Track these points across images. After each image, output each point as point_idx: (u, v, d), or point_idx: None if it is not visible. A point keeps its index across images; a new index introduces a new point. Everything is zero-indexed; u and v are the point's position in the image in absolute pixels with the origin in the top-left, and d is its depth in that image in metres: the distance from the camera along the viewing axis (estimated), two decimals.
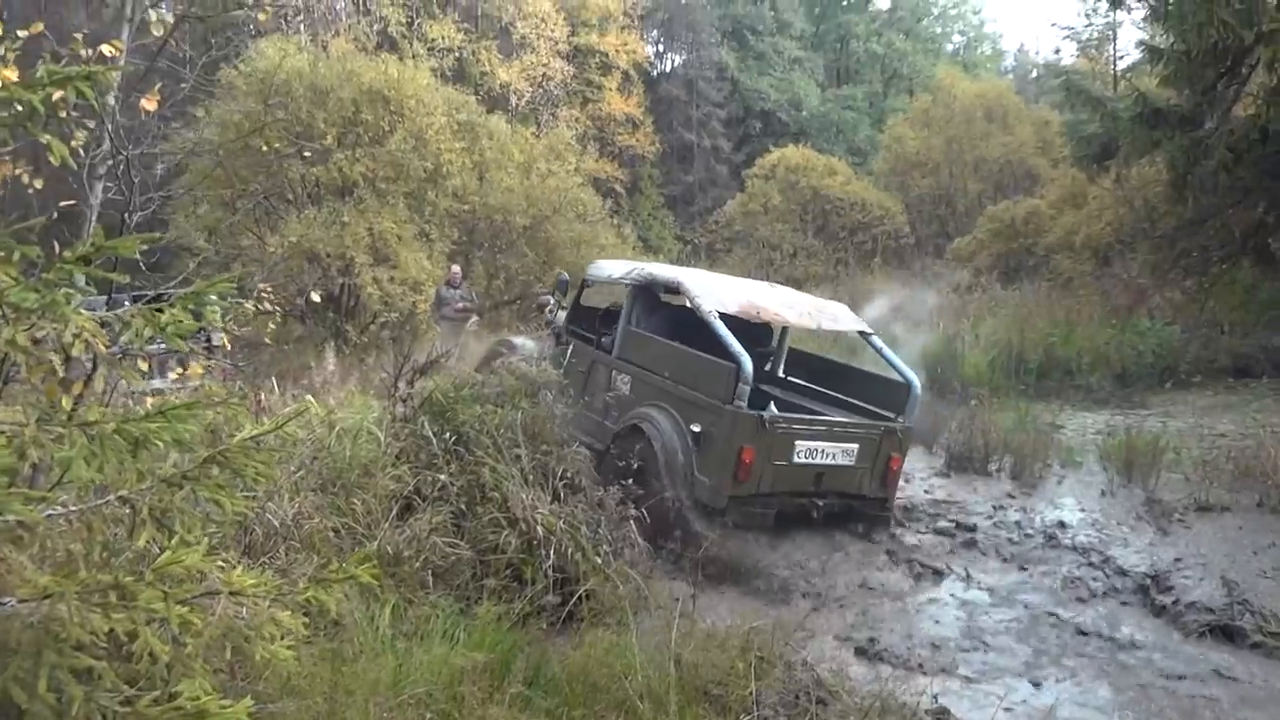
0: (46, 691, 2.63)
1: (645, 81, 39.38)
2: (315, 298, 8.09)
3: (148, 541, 3.20)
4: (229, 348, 11.86)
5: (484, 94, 30.58)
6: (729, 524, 6.23)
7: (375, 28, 29.53)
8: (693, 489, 6.30)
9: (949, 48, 45.98)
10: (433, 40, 30.93)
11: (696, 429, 6.34)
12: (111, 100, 4.24)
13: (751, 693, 4.02)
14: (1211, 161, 11.65)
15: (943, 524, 7.20)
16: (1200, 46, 11.29)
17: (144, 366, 3.77)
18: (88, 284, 4.38)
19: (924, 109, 29.15)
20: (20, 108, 3.16)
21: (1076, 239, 18.37)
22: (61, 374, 3.33)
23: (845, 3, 45.97)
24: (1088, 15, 27.13)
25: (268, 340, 7.44)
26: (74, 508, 3.28)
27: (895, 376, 7.22)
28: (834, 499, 6.64)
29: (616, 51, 36.49)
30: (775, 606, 5.77)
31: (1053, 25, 35.18)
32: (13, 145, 3.75)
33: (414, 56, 25.34)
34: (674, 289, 7.36)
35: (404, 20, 30.65)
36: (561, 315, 8.53)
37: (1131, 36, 30.23)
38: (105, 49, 3.53)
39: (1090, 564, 6.41)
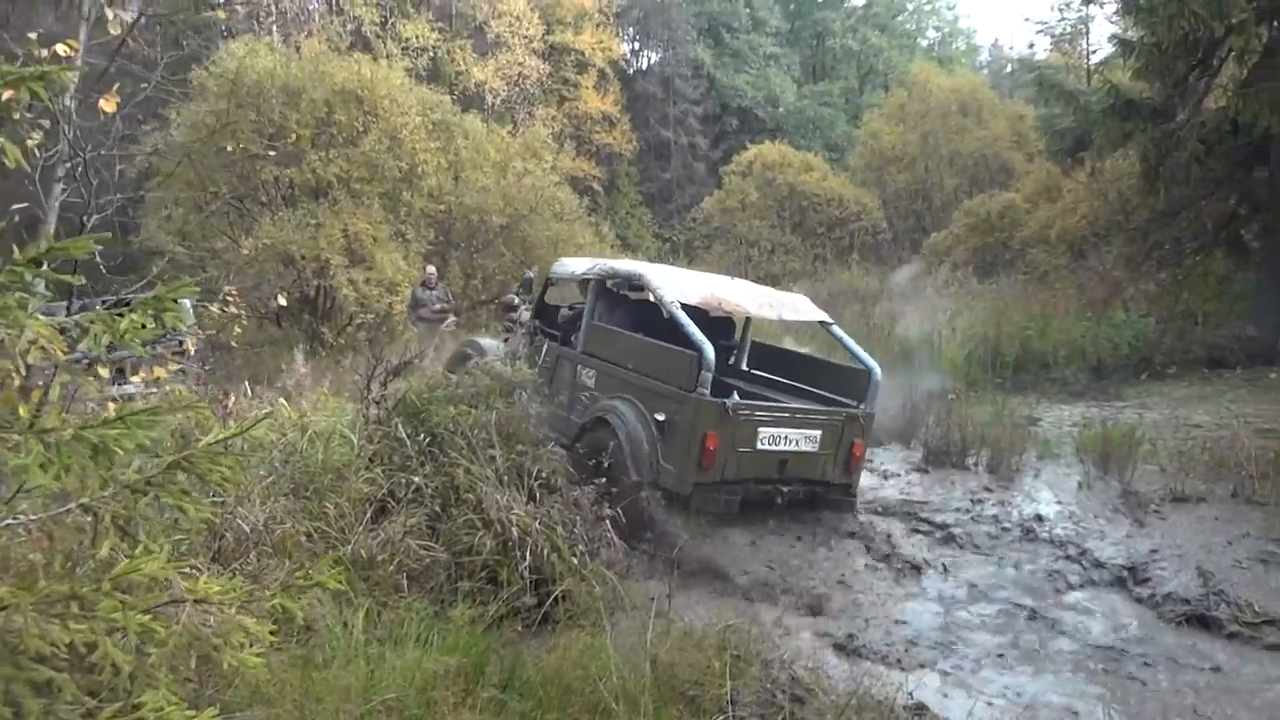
0: (3, 705, 2.57)
1: (621, 79, 39.35)
2: (282, 301, 7.93)
3: (110, 550, 3.13)
4: (191, 351, 11.75)
5: (459, 93, 30.44)
6: (695, 511, 6.30)
7: (349, 27, 29.33)
8: (658, 477, 6.35)
9: (924, 43, 46.21)
10: (407, 40, 30.78)
11: (661, 418, 6.41)
12: (69, 101, 4.17)
13: (727, 692, 4.00)
14: (1183, 153, 11.75)
15: (921, 519, 7.20)
16: (1171, 39, 11.38)
17: (104, 372, 3.70)
18: (48, 288, 4.32)
19: (899, 104, 29.25)
20: None
21: (1051, 232, 18.48)
22: (19, 381, 3.27)
23: (821, 0, 46.08)
24: (1060, 10, 27.36)
25: (234, 344, 7.32)
26: (34, 516, 3.21)
27: (856, 365, 7.32)
28: (798, 485, 6.72)
29: (592, 49, 36.43)
30: (753, 604, 5.73)
31: (1026, 20, 35.50)
32: None
33: (388, 56, 25.20)
34: (636, 283, 7.45)
35: (378, 20, 30.51)
36: (526, 314, 8.55)
37: (1104, 30, 30.39)
38: (60, 48, 3.45)
39: (1068, 557, 6.41)
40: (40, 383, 3.96)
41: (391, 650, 4.27)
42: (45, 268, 2.87)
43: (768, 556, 6.48)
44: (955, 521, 7.10)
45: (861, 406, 7.00)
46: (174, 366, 4.91)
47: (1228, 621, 5.42)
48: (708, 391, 6.21)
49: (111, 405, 4.25)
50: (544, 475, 5.77)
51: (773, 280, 24.95)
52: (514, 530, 5.22)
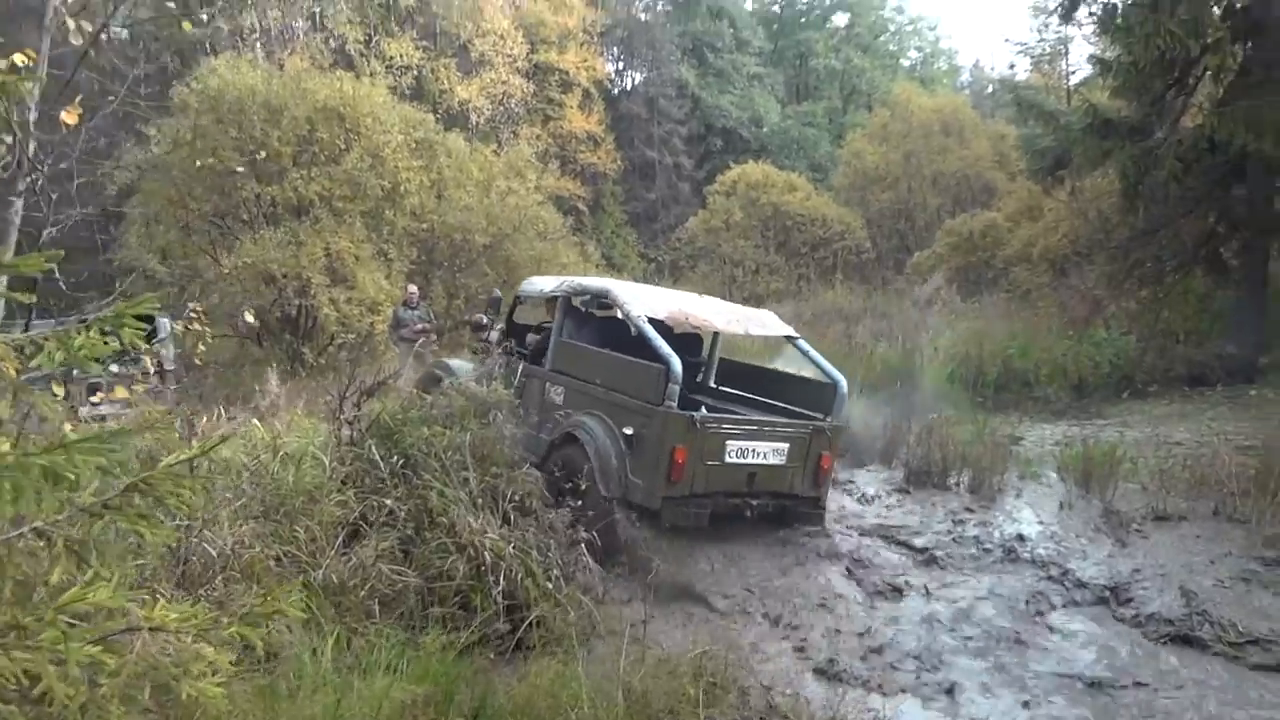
0: None
1: (606, 99, 39.47)
2: (249, 318, 7.83)
3: (62, 576, 3.03)
4: (161, 369, 11.61)
5: (443, 112, 30.45)
6: (665, 525, 6.25)
7: (331, 45, 29.30)
8: (627, 492, 6.31)
9: (906, 64, 46.56)
10: (391, 58, 30.79)
11: (629, 432, 6.40)
12: (30, 114, 4.08)
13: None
14: (1162, 171, 11.80)
15: (902, 540, 7.13)
16: (1148, 58, 11.45)
17: (59, 391, 3.60)
18: (7, 306, 4.20)
19: (882, 124, 29.43)
20: None
21: (1034, 251, 18.55)
22: None
23: (804, 20, 46.46)
24: (1040, 31, 27.57)
25: (199, 360, 7.23)
26: None
27: (823, 379, 7.33)
28: (767, 498, 6.70)
29: (577, 69, 36.55)
30: (732, 628, 5.65)
31: (1006, 41, 35.78)
32: None
33: (371, 74, 25.15)
34: (603, 298, 7.47)
35: (362, 38, 30.51)
36: (495, 334, 8.52)
37: (1084, 51, 30.63)
38: (17, 58, 3.37)
39: (1050, 577, 6.35)
40: None
41: (360, 679, 4.16)
42: None
43: (747, 579, 6.40)
44: (936, 543, 7.04)
45: (828, 419, 7.02)
46: (141, 386, 4.78)
47: (1212, 641, 5.36)
48: (675, 404, 6.20)
49: (68, 426, 4.15)
50: (518, 498, 5.67)
51: (757, 300, 24.99)
52: (487, 555, 5.13)
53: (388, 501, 5.52)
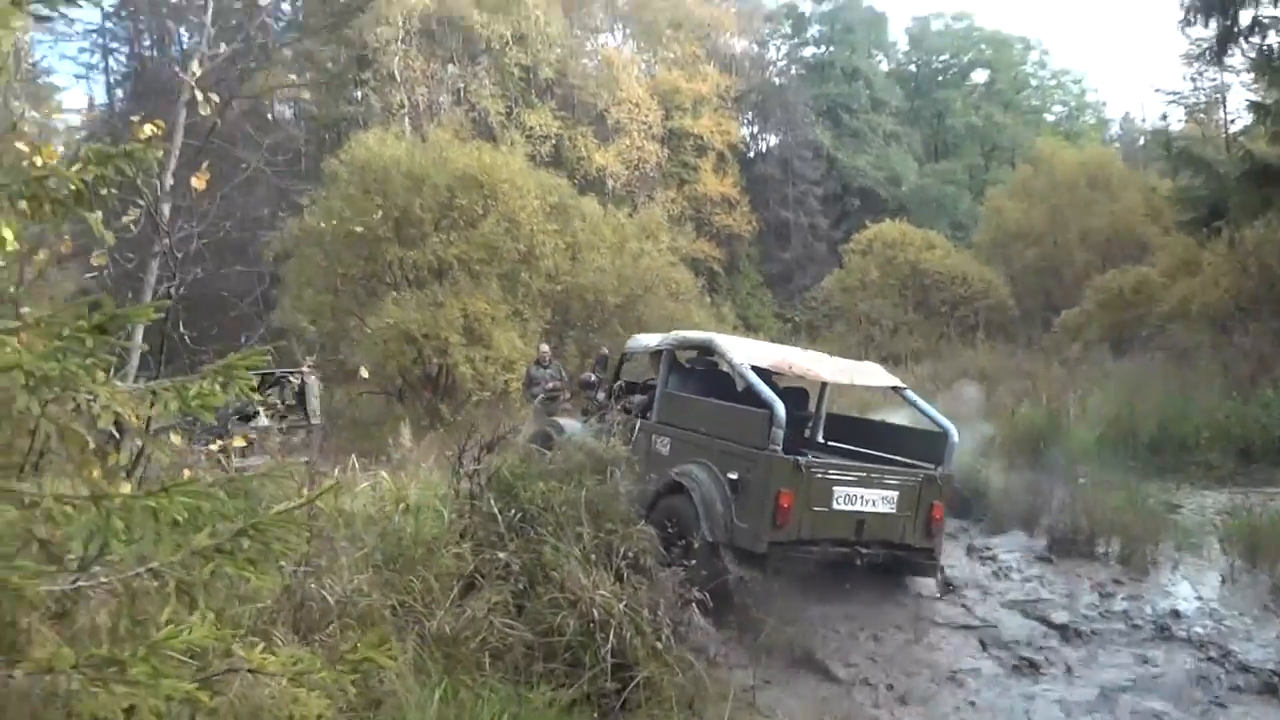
0: None
1: (740, 161, 39.74)
2: (364, 373, 8.07)
3: (172, 615, 3.10)
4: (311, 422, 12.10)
5: (580, 178, 31.27)
6: (773, 571, 6.16)
7: (474, 117, 30.55)
8: (733, 537, 6.25)
9: (1050, 118, 45.10)
10: (530, 128, 31.86)
11: (734, 476, 6.37)
12: (168, 180, 4.34)
13: None
14: None
15: (1042, 612, 6.66)
16: None
17: (176, 440, 3.74)
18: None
19: (1024, 180, 28.52)
20: (69, 189, 3.22)
21: (1192, 307, 17.45)
22: (92, 446, 3.33)
23: (941, 78, 45.75)
24: (1194, 79, 26.28)
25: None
26: (104, 580, 3.21)
27: (933, 428, 7.21)
28: (878, 548, 6.54)
29: (711, 133, 36.98)
30: (852, 699, 5.37)
31: (1157, 91, 34.11)
32: (64, 226, 3.85)
33: (510, 143, 26.06)
34: (706, 348, 7.59)
35: (503, 110, 31.71)
36: (601, 393, 8.73)
37: (1242, 98, 29.07)
38: (148, 129, 3.58)
39: (1209, 659, 5.79)
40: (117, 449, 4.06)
41: None
42: (108, 334, 2.91)
43: (872, 648, 6.10)
44: (1081, 616, 6.54)
45: (939, 469, 6.84)
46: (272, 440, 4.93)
47: None
48: (780, 448, 6.17)
49: (186, 473, 4.31)
50: (631, 555, 5.57)
51: (895, 360, 24.38)
52: (596, 611, 5.04)
53: (501, 555, 5.52)
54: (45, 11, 2.94)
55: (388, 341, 16.56)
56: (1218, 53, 13.58)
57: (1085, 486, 8.66)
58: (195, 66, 3.97)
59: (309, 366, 14.17)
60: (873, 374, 7.75)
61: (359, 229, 17.08)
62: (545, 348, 15.04)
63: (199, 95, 3.86)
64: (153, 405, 3.34)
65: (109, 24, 35.62)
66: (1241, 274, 15.64)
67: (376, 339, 16.37)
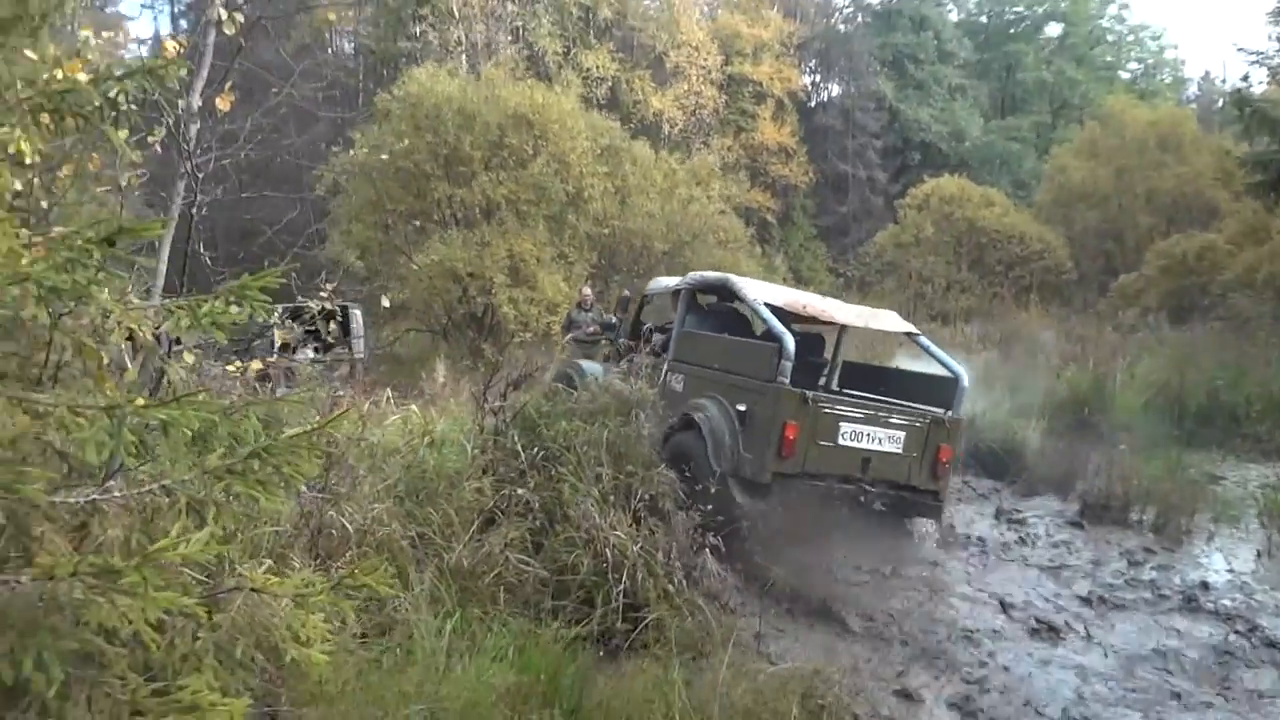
0: (36, 671, 2.59)
1: (800, 111, 38.93)
2: (385, 303, 8.10)
3: (181, 531, 3.15)
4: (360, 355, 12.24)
5: (637, 121, 30.91)
6: (778, 504, 6.28)
7: (524, 54, 30.23)
8: (739, 467, 6.37)
9: (1125, 76, 43.51)
10: (588, 69, 31.50)
11: (742, 408, 6.49)
12: (195, 101, 4.34)
13: None
14: None
15: (1068, 576, 6.57)
16: None
17: (189, 358, 3.79)
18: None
19: (1092, 138, 27.61)
20: (93, 105, 3.23)
21: (1258, 276, 16.88)
22: (107, 360, 3.37)
23: (1013, 30, 44.30)
24: (1279, 39, 25.06)
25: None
26: (118, 494, 3.26)
27: (945, 373, 7.23)
28: (883, 487, 6.60)
29: (771, 80, 36.26)
30: (866, 651, 5.35)
31: (1239, 50, 32.40)
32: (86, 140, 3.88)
33: (565, 84, 25.78)
34: (723, 287, 7.66)
35: (560, 50, 31.37)
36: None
37: None
38: (168, 45, 3.57)
39: (1235, 631, 5.66)
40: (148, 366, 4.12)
41: (470, 661, 4.18)
42: (115, 248, 2.92)
43: (891, 602, 6.06)
44: (1107, 583, 6.44)
45: (948, 413, 6.88)
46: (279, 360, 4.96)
47: None
48: (787, 380, 6.27)
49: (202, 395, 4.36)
50: (649, 497, 5.57)
51: (944, 318, 24.00)
52: (609, 552, 5.06)
53: (521, 491, 5.55)
54: None
55: (433, 279, 16.64)
56: None
57: (1124, 453, 8.47)
58: None
59: (358, 298, 14.33)
60: (888, 320, 7.79)
61: (409, 164, 17.18)
62: (587, 291, 15.00)
63: (222, 14, 3.84)
64: (163, 323, 3.37)
65: None
66: None
67: (422, 275, 16.46)
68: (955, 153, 38.77)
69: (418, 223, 18.11)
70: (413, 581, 4.91)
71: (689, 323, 7.78)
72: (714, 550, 5.33)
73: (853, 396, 7.66)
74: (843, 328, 7.95)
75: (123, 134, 3.58)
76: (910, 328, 7.73)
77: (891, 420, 6.64)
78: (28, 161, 3.32)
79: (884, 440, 6.57)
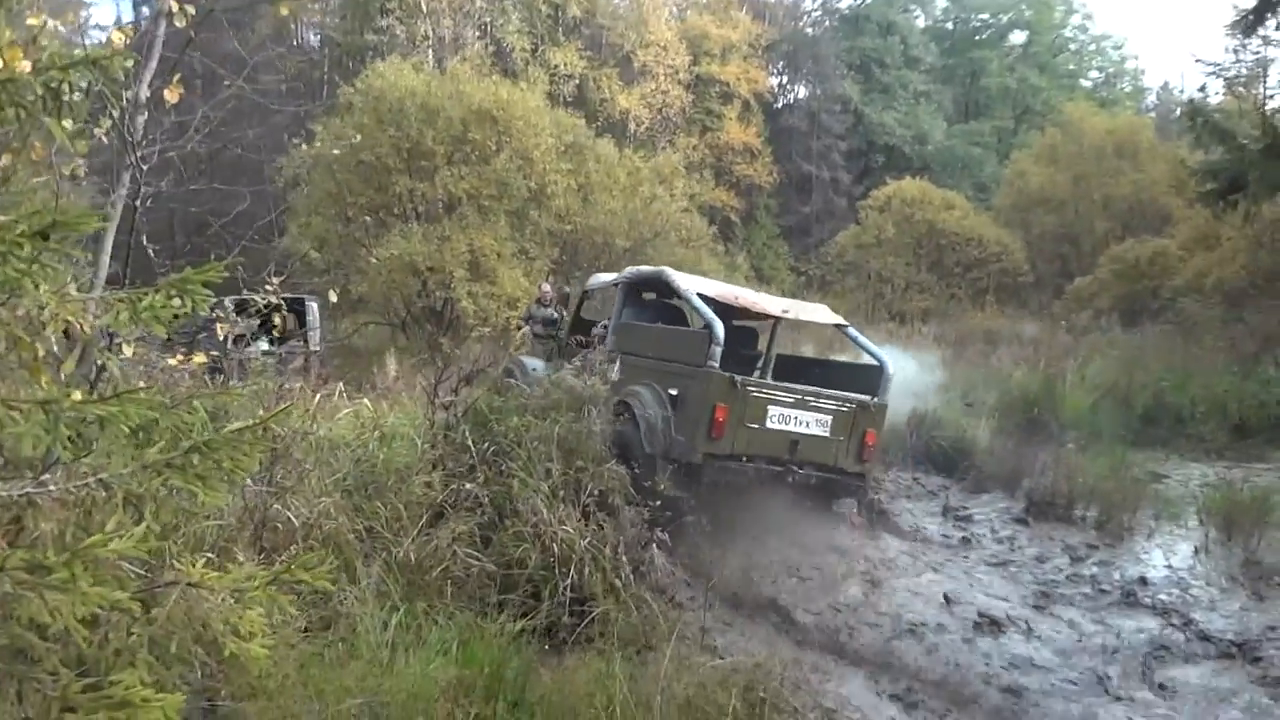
0: None
1: (766, 112, 39.10)
2: (333, 297, 8.07)
3: (116, 525, 3.13)
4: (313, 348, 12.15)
5: (603, 120, 30.89)
6: (708, 483, 6.54)
7: (491, 50, 30.11)
8: (670, 449, 6.60)
9: (1086, 84, 44.12)
10: (555, 66, 31.44)
11: (674, 392, 6.75)
12: (143, 92, 4.31)
13: None
14: None
15: (1011, 572, 6.70)
16: None
17: (128, 351, 3.76)
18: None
19: (1051, 144, 28.02)
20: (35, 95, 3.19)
21: (1207, 281, 17.23)
22: (42, 353, 3.35)
23: (978, 37, 44.80)
24: (1236, 51, 25.53)
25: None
26: (54, 489, 3.24)
27: (872, 362, 7.53)
28: (811, 469, 6.87)
29: (738, 81, 36.36)
30: (810, 644, 5.43)
31: (1197, 61, 32.80)
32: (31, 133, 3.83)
33: (530, 81, 25.70)
34: (659, 279, 7.82)
35: (528, 47, 31.27)
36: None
37: None
38: (115, 36, 3.55)
39: (1170, 625, 5.81)
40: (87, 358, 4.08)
41: (414, 655, 4.19)
42: (50, 240, 2.90)
43: (837, 596, 6.16)
44: (1049, 578, 6.59)
45: (874, 399, 7.16)
46: (199, 359, 4.93)
47: None
48: (717, 365, 6.51)
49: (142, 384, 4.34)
50: (599, 493, 5.61)
51: (902, 317, 24.25)
52: (558, 546, 5.10)
53: (470, 486, 5.57)
54: None
55: (392, 272, 16.56)
56: (1253, 23, 13.23)
57: (1071, 451, 8.65)
58: None
59: (315, 291, 14.21)
60: (817, 312, 8.08)
61: (370, 158, 17.07)
62: (547, 287, 14.96)
63: (174, 5, 3.81)
64: (101, 315, 3.35)
65: None
66: (1258, 249, 15.41)
67: (381, 269, 16.37)
68: (918, 156, 39.14)
69: (379, 215, 17.99)
70: (360, 575, 4.92)
71: (629, 316, 8.01)
72: (661, 545, 5.39)
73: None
74: (776, 322, 8.17)
75: (67, 124, 3.56)
76: (839, 320, 8.00)
77: (818, 404, 6.91)
78: None
79: (811, 424, 6.85)
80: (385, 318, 18.44)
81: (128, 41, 3.67)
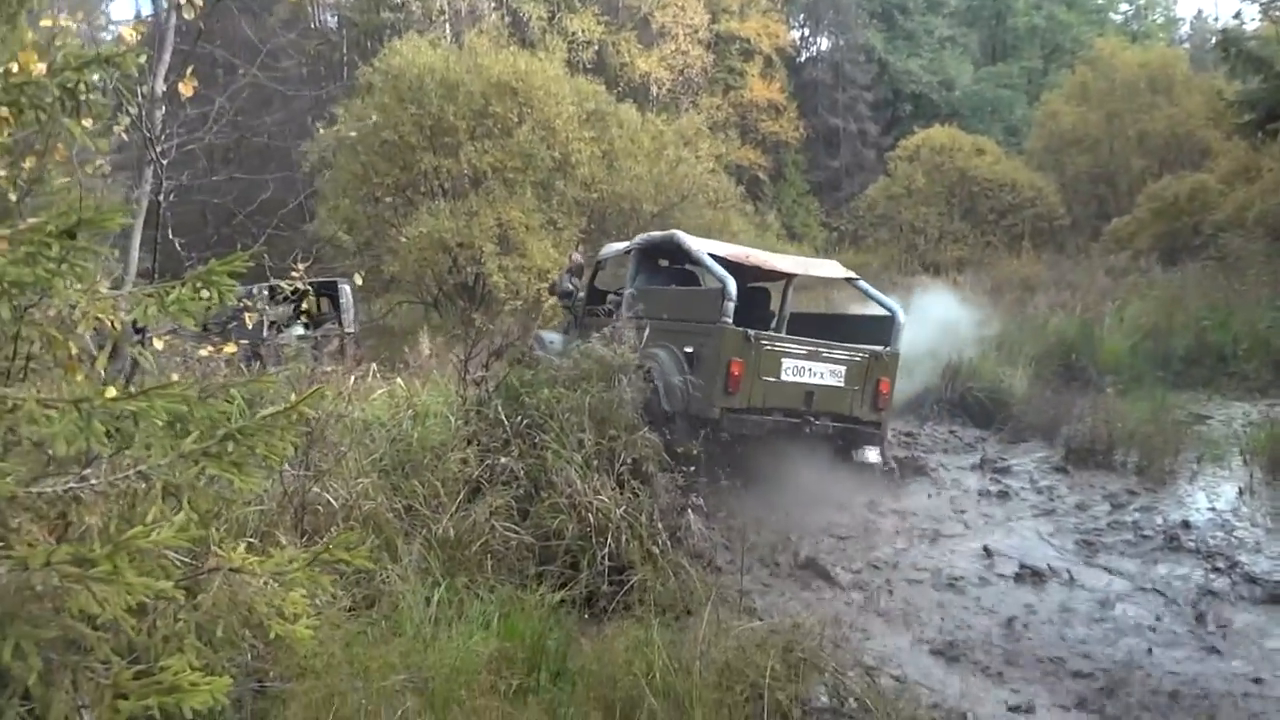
0: (11, 659, 2.65)
1: (789, 66, 38.56)
2: (358, 280, 8.16)
3: (157, 515, 3.20)
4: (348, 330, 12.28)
5: (624, 84, 30.65)
6: (727, 437, 6.73)
7: (507, 20, 29.91)
8: (688, 405, 6.75)
9: (1117, 18, 42.99)
10: (573, 34, 31.18)
11: (690, 350, 6.91)
12: (159, 87, 4.34)
13: (793, 698, 3.76)
14: None
15: (1051, 521, 6.65)
16: None
17: (158, 344, 3.82)
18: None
19: (1081, 82, 27.35)
20: (53, 94, 3.23)
21: (1249, 215, 16.81)
22: (75, 351, 3.41)
23: None
24: None
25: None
26: (96, 482, 3.31)
27: (883, 312, 7.69)
28: (827, 419, 7.03)
29: (759, 36, 35.86)
30: (851, 602, 5.44)
31: None
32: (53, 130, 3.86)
33: (547, 49, 25.52)
34: (671, 244, 7.92)
35: (544, 15, 31.03)
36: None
37: None
38: (125, 33, 3.57)
39: (1215, 569, 5.74)
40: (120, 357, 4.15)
41: (456, 630, 4.26)
42: (76, 239, 2.94)
43: (875, 553, 6.16)
44: (1090, 526, 6.52)
45: (885, 348, 7.32)
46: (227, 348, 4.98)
47: None
48: (730, 320, 6.64)
49: (175, 376, 4.40)
50: (632, 461, 5.64)
51: (936, 268, 23.95)
52: (594, 516, 5.14)
53: (504, 460, 5.62)
54: None
55: (423, 250, 16.63)
56: None
57: (1109, 397, 8.53)
58: None
59: (346, 274, 14.33)
60: (827, 267, 8.28)
61: (393, 137, 17.10)
62: (578, 256, 14.99)
63: None
64: (130, 311, 3.41)
65: None
66: None
67: (411, 247, 16.45)
68: (946, 102, 38.42)
69: (406, 194, 18.05)
70: (401, 553, 4.99)
71: (644, 283, 8.12)
72: (696, 510, 5.41)
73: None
74: (789, 280, 8.14)
75: (87, 123, 3.58)
76: (849, 273, 8.11)
77: (831, 356, 7.04)
78: None
79: (825, 375, 7.00)
80: (418, 296, 18.56)
81: (141, 37, 3.69)
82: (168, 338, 4.14)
